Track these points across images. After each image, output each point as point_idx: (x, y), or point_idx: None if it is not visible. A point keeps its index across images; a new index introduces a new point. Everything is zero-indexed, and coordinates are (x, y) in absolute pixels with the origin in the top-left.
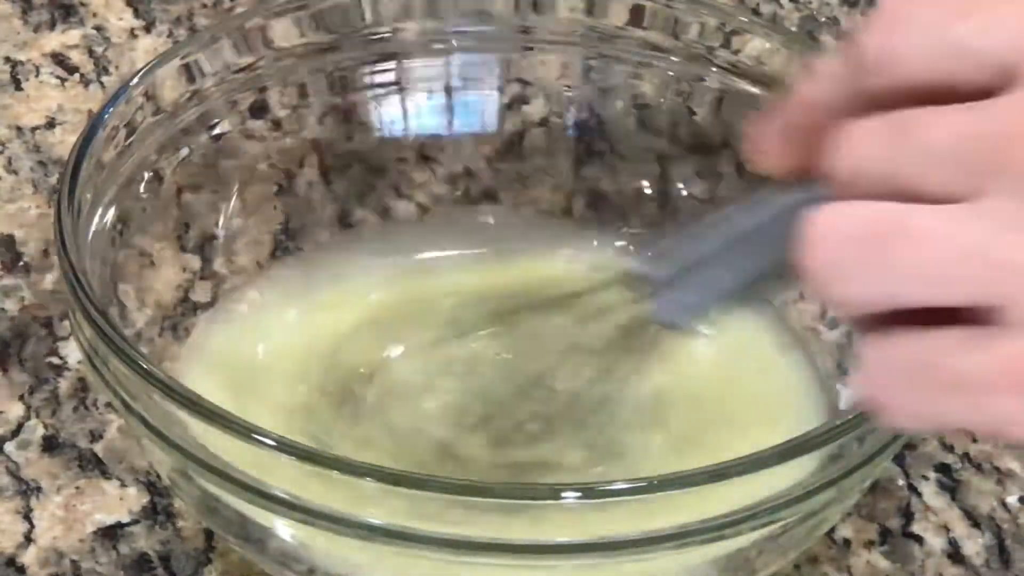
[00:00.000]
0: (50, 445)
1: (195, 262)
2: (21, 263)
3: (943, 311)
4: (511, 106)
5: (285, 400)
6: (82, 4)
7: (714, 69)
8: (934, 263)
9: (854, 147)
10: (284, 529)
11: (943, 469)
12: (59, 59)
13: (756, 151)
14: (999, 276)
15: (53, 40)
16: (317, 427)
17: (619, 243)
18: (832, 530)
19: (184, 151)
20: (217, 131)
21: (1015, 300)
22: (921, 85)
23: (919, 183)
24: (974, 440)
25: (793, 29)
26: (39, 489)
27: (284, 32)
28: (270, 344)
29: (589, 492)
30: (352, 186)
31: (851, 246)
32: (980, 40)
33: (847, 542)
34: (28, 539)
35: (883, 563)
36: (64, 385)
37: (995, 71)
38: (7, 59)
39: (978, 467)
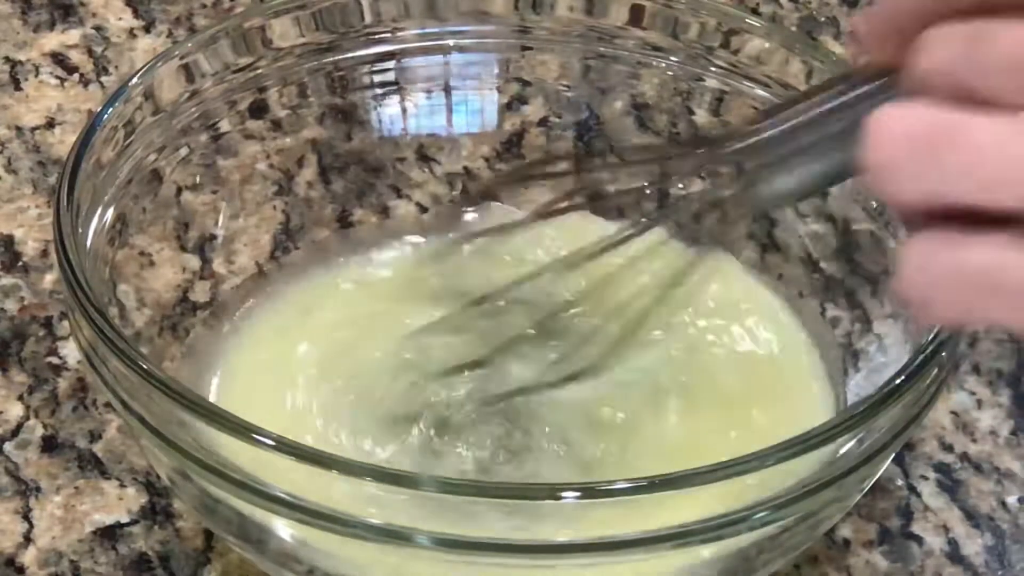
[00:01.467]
0: (49, 445)
1: (195, 262)
2: (21, 263)
3: (991, 219)
4: (510, 106)
5: (287, 398)
6: (82, 4)
7: (714, 69)
8: (987, 166)
9: (931, 49)
10: (284, 529)
11: (943, 469)
12: (59, 59)
13: (856, 40)
14: None
15: (53, 40)
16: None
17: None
18: (832, 530)
19: (184, 151)
20: (217, 131)
21: None
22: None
23: (986, 90)
24: (974, 440)
25: (793, 29)
26: (38, 489)
27: (284, 32)
28: (270, 344)
29: (589, 492)
30: (352, 186)
31: (910, 143)
32: None
33: (847, 542)
34: (27, 539)
35: (883, 563)
36: (63, 385)
37: None
38: (7, 59)
39: (978, 467)
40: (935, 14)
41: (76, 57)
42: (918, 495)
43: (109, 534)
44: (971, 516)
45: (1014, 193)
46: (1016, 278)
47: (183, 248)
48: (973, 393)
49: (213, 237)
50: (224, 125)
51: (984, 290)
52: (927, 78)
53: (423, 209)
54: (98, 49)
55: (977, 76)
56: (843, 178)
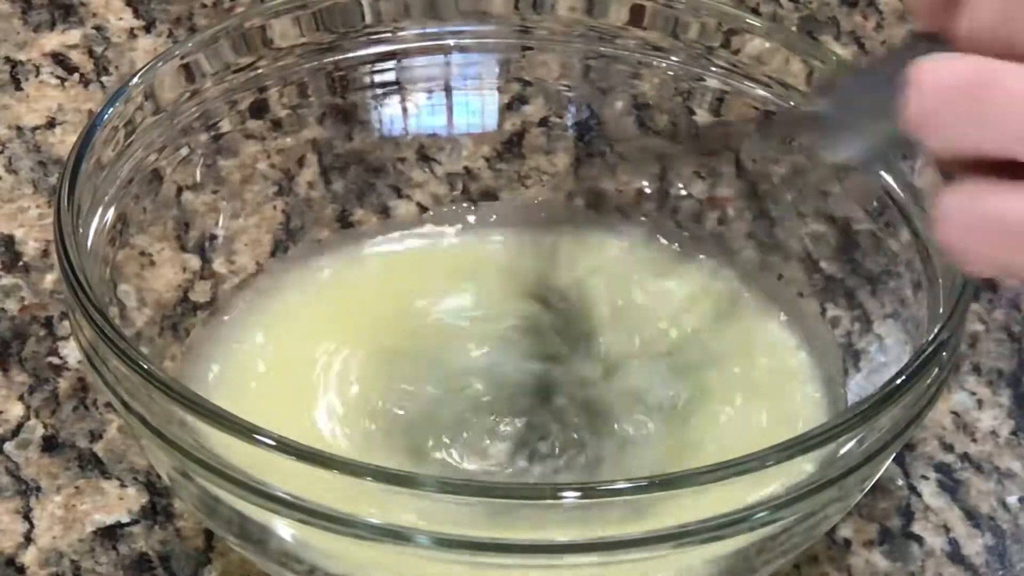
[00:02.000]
0: (50, 445)
1: (195, 262)
2: (21, 263)
3: None
4: (511, 106)
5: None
6: (82, 4)
7: (714, 69)
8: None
9: (975, 7)
10: (284, 529)
11: (943, 469)
12: (59, 59)
13: (919, 7)
14: None
15: (53, 40)
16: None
17: (619, 242)
18: (832, 530)
19: (184, 151)
20: (217, 131)
21: None
22: None
23: None
24: (974, 440)
25: (793, 29)
26: (39, 489)
27: (284, 32)
28: (269, 344)
29: (589, 492)
30: (352, 186)
31: (949, 92)
32: None
33: (847, 542)
34: (28, 539)
35: (883, 563)
36: (64, 385)
37: None
38: (7, 59)
39: (978, 467)
40: None
41: (76, 57)
42: (918, 495)
43: (110, 534)
44: (971, 516)
45: None
46: None
47: (183, 248)
48: (973, 393)
49: (213, 237)
50: (224, 125)
51: None
52: (970, 36)
53: (423, 209)
54: (98, 49)
55: (1017, 32)
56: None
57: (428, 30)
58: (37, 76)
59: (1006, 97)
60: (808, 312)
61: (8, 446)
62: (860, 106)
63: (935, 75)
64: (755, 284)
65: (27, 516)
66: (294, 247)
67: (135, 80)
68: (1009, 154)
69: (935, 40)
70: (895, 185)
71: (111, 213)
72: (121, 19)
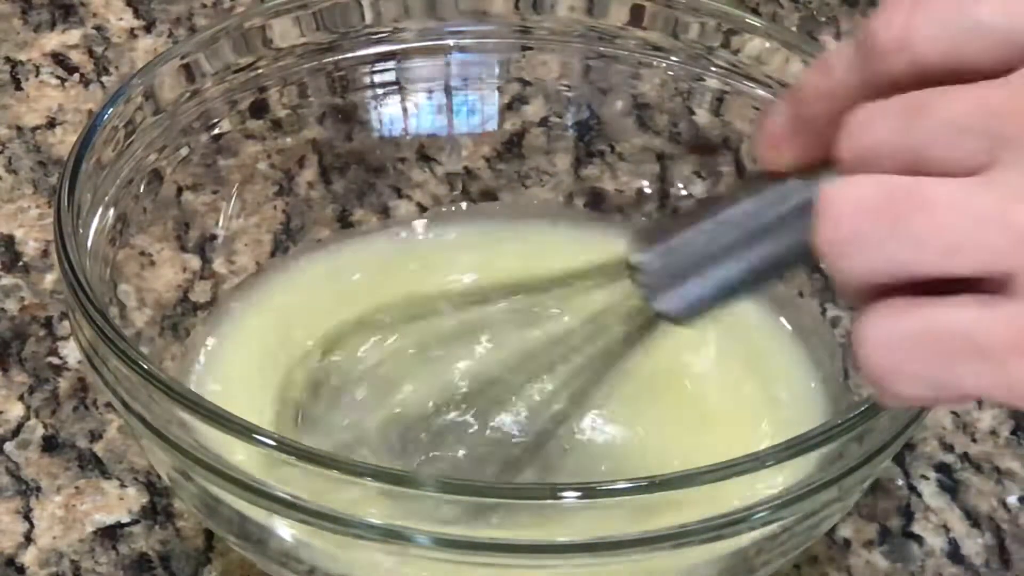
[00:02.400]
0: (50, 445)
1: (195, 262)
2: (21, 263)
3: (949, 285)
4: (511, 106)
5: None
6: (82, 4)
7: (714, 69)
8: (948, 231)
9: (867, 127)
10: (284, 529)
11: (943, 469)
12: (59, 59)
13: (766, 146)
14: (1012, 243)
15: (53, 40)
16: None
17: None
18: (832, 530)
19: (184, 151)
20: (217, 131)
21: None
22: (935, 68)
23: (931, 157)
24: (974, 440)
25: (793, 29)
26: (39, 489)
27: (284, 32)
28: (271, 344)
29: (589, 492)
30: (352, 186)
31: (866, 217)
32: (998, 18)
33: (847, 542)
34: (28, 539)
35: (883, 563)
36: (64, 385)
37: (1012, 49)
38: (7, 59)
39: (978, 467)
40: (854, 99)
41: (77, 57)
42: (918, 495)
43: (110, 534)
44: (971, 516)
45: (977, 257)
46: (995, 337)
47: (183, 248)
48: None
49: (213, 237)
50: (224, 125)
51: (960, 354)
52: (868, 156)
53: (423, 209)
54: (99, 49)
55: (924, 143)
56: (767, 277)
57: (428, 30)
58: (37, 76)
59: (931, 211)
60: (808, 312)
61: (8, 446)
62: (687, 260)
63: (850, 198)
64: None
65: (27, 516)
66: (294, 247)
67: (135, 80)
68: (938, 270)
69: (807, 170)
70: None
71: (111, 213)
72: (121, 19)
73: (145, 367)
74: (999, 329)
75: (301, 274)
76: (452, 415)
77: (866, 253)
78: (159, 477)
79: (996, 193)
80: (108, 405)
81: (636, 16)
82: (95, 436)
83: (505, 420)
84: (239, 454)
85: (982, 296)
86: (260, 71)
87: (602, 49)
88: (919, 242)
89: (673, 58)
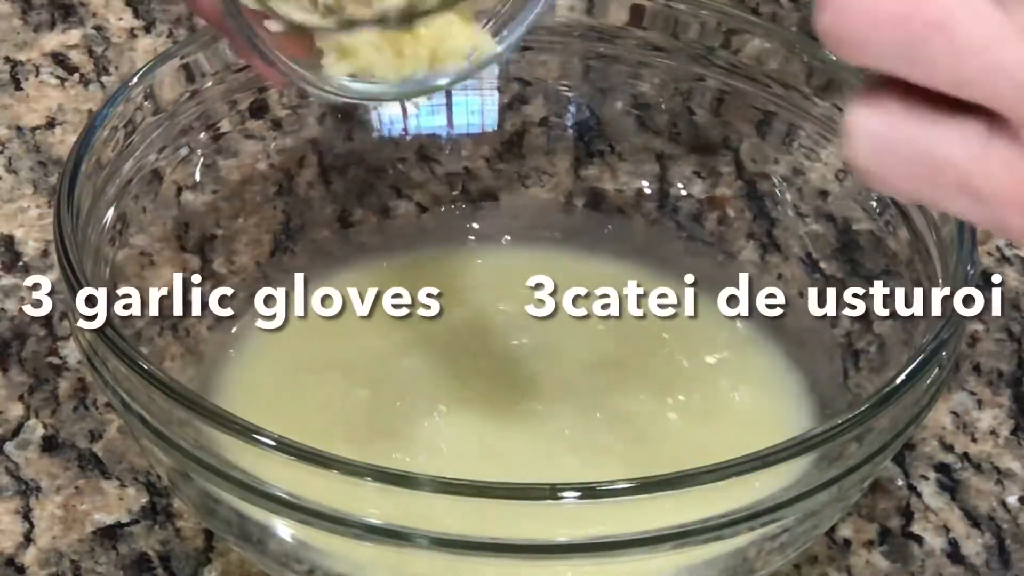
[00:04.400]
0: (50, 445)
1: (195, 262)
2: (21, 263)
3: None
4: (511, 106)
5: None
6: (82, 4)
7: (714, 69)
8: (963, 64)
9: None
10: (284, 529)
11: (943, 469)
12: (59, 59)
13: None
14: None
15: (53, 40)
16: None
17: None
18: (832, 530)
19: (184, 151)
20: (217, 131)
21: None
22: None
23: None
24: (974, 440)
25: (793, 29)
26: (39, 489)
27: None
28: (271, 344)
29: (589, 492)
30: (352, 186)
31: (877, 22)
32: None
33: (847, 542)
34: (28, 539)
35: (883, 563)
36: (64, 385)
37: None
38: (7, 59)
39: (978, 467)
40: None
41: (76, 57)
42: (918, 495)
43: (109, 534)
44: (971, 516)
45: (986, 96)
46: (993, 184)
47: (183, 248)
48: (973, 393)
49: (213, 237)
50: (224, 125)
51: (953, 186)
52: (853, 51)
53: (423, 209)
54: (98, 49)
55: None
56: None
57: None
58: (37, 76)
59: (950, 35)
60: (808, 312)
61: (8, 446)
62: None
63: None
64: (754, 283)
65: (27, 516)
66: (294, 247)
67: (135, 80)
68: (945, 91)
69: None
70: None
71: (111, 213)
72: (121, 19)
73: (145, 367)
74: (999, 176)
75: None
76: None
77: (870, 54)
78: (159, 477)
79: (1016, 36)
80: (108, 405)
81: (636, 16)
82: (95, 436)
83: None
84: (239, 454)
85: (984, 130)
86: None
87: (602, 49)
88: (930, 63)
89: (673, 58)
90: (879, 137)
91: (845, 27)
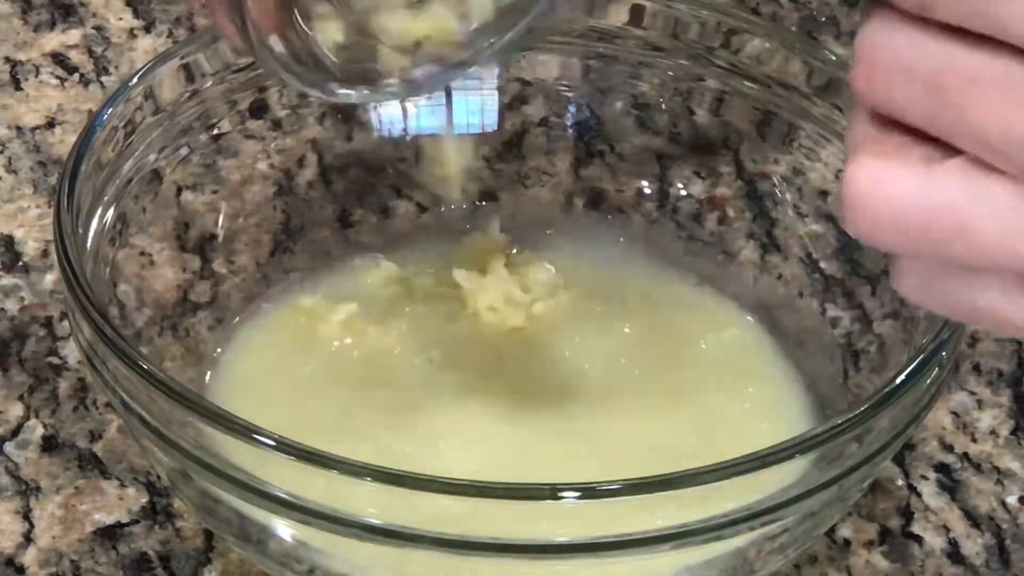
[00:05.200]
0: (50, 445)
1: (195, 262)
2: (21, 263)
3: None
4: (511, 106)
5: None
6: (82, 4)
7: (714, 69)
8: (989, 260)
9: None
10: (284, 529)
11: (943, 469)
12: (59, 59)
13: None
14: None
15: (53, 40)
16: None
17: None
18: (832, 530)
19: (184, 151)
20: (217, 131)
21: None
22: None
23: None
24: (974, 440)
25: (793, 29)
26: (39, 489)
27: None
28: (270, 343)
29: (589, 492)
30: (352, 186)
31: (910, 234)
32: None
33: (847, 542)
34: (28, 539)
35: (883, 563)
36: (64, 385)
37: None
38: (7, 59)
39: (978, 467)
40: None
41: (76, 57)
42: (918, 495)
43: (109, 534)
44: (971, 516)
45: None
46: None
47: (183, 248)
48: (973, 393)
49: (213, 237)
50: (224, 125)
51: (987, 321)
52: (882, 106)
53: (423, 209)
54: (98, 49)
55: (947, 134)
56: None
57: None
58: (37, 76)
59: (977, 246)
60: (808, 312)
61: (8, 446)
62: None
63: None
64: (753, 282)
65: (27, 516)
66: (294, 247)
67: (135, 80)
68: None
69: None
70: None
71: (111, 213)
72: (121, 19)
73: (145, 367)
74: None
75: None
76: None
77: (899, 250)
78: (159, 477)
79: None
80: (108, 405)
81: (636, 16)
82: (95, 436)
83: None
84: (239, 454)
85: (1018, 283)
86: (260, 71)
87: (602, 49)
88: (956, 260)
89: (673, 58)
90: (922, 284)
91: (875, 237)
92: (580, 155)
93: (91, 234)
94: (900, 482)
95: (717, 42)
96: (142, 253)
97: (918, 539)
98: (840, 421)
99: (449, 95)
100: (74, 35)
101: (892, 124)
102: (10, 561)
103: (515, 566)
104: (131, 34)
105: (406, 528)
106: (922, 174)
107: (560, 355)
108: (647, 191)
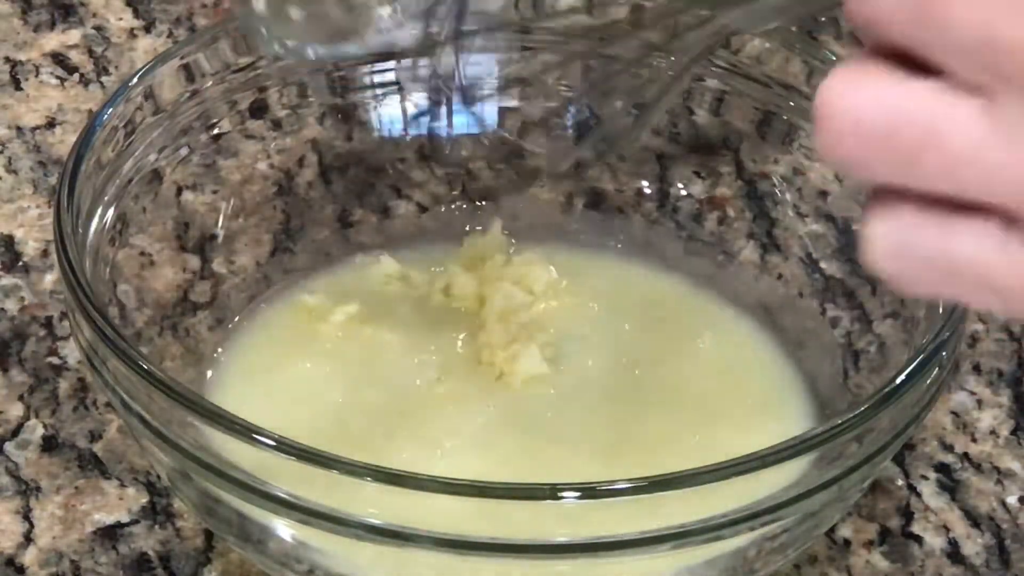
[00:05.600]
0: (50, 445)
1: (195, 262)
2: (21, 263)
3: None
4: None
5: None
6: (82, 4)
7: (714, 69)
8: (958, 173)
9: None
10: (284, 529)
11: (943, 469)
12: (59, 59)
13: None
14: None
15: (53, 40)
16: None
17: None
18: (832, 530)
19: (184, 151)
20: (217, 131)
21: None
22: None
23: (937, 61)
24: (974, 440)
25: (793, 29)
26: (39, 489)
27: None
28: (270, 343)
29: (589, 492)
30: (352, 186)
31: (868, 143)
32: None
33: (847, 542)
34: (28, 539)
35: (883, 563)
36: (64, 385)
37: None
38: (7, 59)
39: (978, 467)
40: None
41: (76, 57)
42: (918, 495)
43: (109, 534)
44: (971, 516)
45: (992, 196)
46: (1012, 281)
47: (183, 248)
48: (973, 393)
49: (213, 237)
50: (224, 125)
51: (973, 284)
52: (870, 25)
53: (423, 209)
54: (98, 49)
55: (928, 46)
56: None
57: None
58: (37, 76)
59: (938, 148)
60: (808, 312)
61: (8, 446)
62: None
63: (847, 112)
64: (753, 282)
65: (27, 516)
66: (294, 247)
67: (135, 80)
68: (948, 196)
69: None
70: None
71: (111, 213)
72: (121, 19)
73: (145, 367)
74: (1018, 272)
75: None
76: None
77: (869, 172)
78: (159, 477)
79: (1004, 135)
80: (108, 405)
81: (636, 16)
82: (95, 436)
83: None
84: (239, 454)
85: (999, 227)
86: (260, 71)
87: (602, 49)
88: (926, 177)
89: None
90: (897, 245)
91: (839, 148)
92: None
93: (91, 234)
94: (900, 482)
95: None
96: (142, 253)
97: (918, 539)
98: (840, 421)
99: (449, 95)
100: (74, 35)
101: (882, 55)
102: (10, 561)
103: (515, 566)
104: (131, 34)
105: (406, 528)
106: (895, 81)
107: (560, 355)
108: (647, 191)
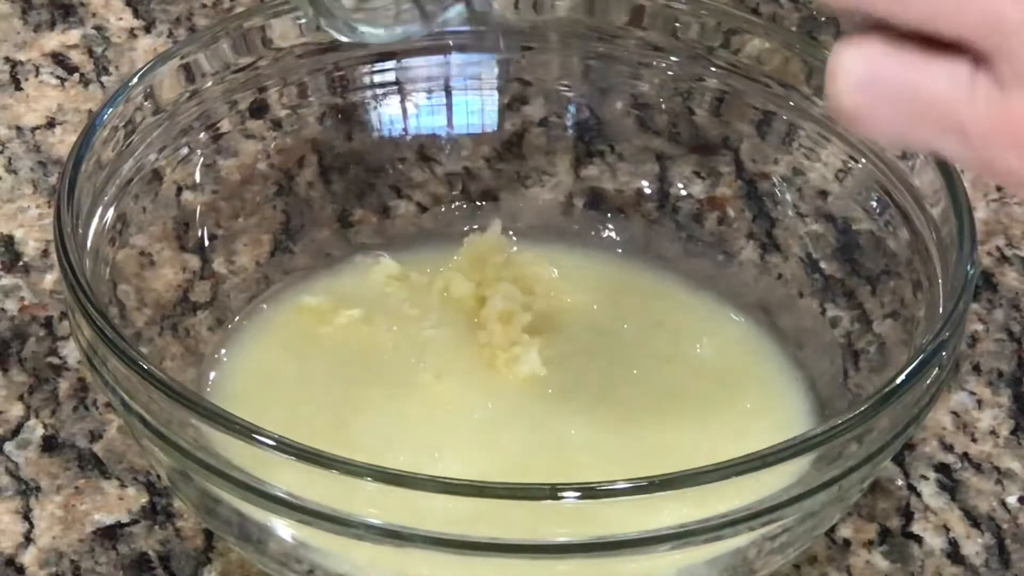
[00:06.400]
0: (50, 445)
1: (195, 262)
2: (21, 263)
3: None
4: (511, 106)
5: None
6: (82, 4)
7: (714, 69)
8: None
9: None
10: (284, 529)
11: (943, 469)
12: (59, 59)
13: None
14: (1000, 28)
15: (53, 40)
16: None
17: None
18: (832, 530)
19: (184, 151)
20: (217, 131)
21: (1013, 56)
22: None
23: None
24: (974, 440)
25: (793, 29)
26: (39, 489)
27: (284, 32)
28: (270, 343)
29: (589, 492)
30: (352, 186)
31: None
32: None
33: (847, 542)
34: (28, 539)
35: (883, 563)
36: (64, 385)
37: None
38: (7, 59)
39: (978, 467)
40: None
41: (76, 57)
42: (918, 495)
43: (109, 534)
44: (971, 516)
45: (967, 31)
46: (979, 124)
47: (183, 248)
48: (973, 393)
49: (213, 237)
50: (224, 125)
51: (938, 125)
52: None
53: (423, 209)
54: (98, 49)
55: None
56: None
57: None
58: (37, 76)
59: None
60: (808, 312)
61: (8, 446)
62: None
63: None
64: (753, 282)
65: (27, 516)
66: (294, 247)
67: (135, 80)
68: (919, 29)
69: None
70: (895, 185)
71: (111, 213)
72: (121, 19)
73: (145, 367)
74: (984, 113)
75: None
76: None
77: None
78: (159, 477)
79: None
80: (108, 405)
81: (636, 16)
82: (95, 436)
83: None
84: (239, 454)
85: (969, 68)
86: (260, 71)
87: (602, 49)
88: (902, 2)
89: (673, 58)
90: (864, 78)
91: None
92: (580, 155)
93: (91, 234)
94: (900, 482)
95: (717, 42)
96: (142, 253)
97: (918, 539)
98: (840, 421)
99: (449, 94)
100: (74, 35)
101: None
102: (10, 561)
103: (515, 566)
104: (131, 34)
105: (406, 528)
106: None
107: (560, 355)
108: (647, 191)
